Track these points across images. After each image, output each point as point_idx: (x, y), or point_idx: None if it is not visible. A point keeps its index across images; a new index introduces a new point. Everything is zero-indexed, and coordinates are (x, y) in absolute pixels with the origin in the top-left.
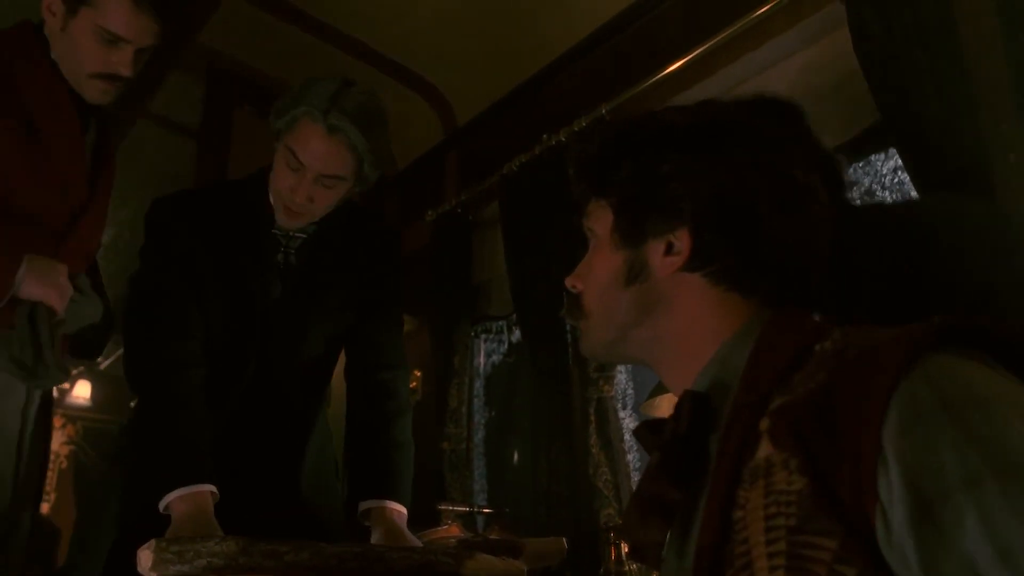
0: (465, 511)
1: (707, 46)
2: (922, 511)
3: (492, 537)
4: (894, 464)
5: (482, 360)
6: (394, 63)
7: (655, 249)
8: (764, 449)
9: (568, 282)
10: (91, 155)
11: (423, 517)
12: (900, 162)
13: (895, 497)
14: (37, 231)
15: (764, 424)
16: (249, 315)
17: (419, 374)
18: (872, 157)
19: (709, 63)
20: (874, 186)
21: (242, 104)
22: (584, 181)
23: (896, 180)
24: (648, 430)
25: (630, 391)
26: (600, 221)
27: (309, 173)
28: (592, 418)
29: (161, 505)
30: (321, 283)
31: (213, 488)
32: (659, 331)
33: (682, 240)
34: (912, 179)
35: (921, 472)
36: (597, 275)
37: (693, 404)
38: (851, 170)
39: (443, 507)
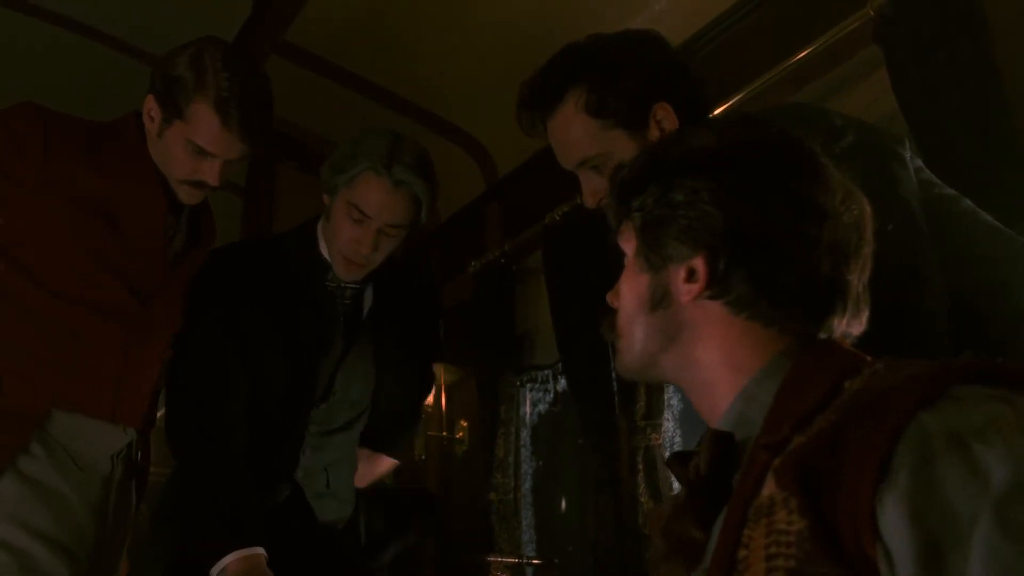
0: (514, 562)
1: (744, 93)
2: (930, 554)
3: None
4: (902, 504)
5: (528, 409)
6: (435, 117)
7: (676, 274)
8: (768, 487)
9: (608, 298)
10: (185, 236)
11: (472, 569)
12: None
13: (903, 538)
14: (107, 318)
15: (776, 463)
16: (309, 370)
17: (465, 424)
18: None
19: (748, 109)
20: None
21: (286, 161)
22: (615, 202)
23: None
24: (679, 462)
25: (677, 439)
26: (628, 243)
27: (374, 224)
28: (640, 467)
29: (215, 570)
30: (380, 336)
31: (263, 551)
32: (687, 358)
33: (700, 267)
34: None
35: (928, 513)
36: (625, 297)
37: (714, 444)
38: None
39: (492, 559)
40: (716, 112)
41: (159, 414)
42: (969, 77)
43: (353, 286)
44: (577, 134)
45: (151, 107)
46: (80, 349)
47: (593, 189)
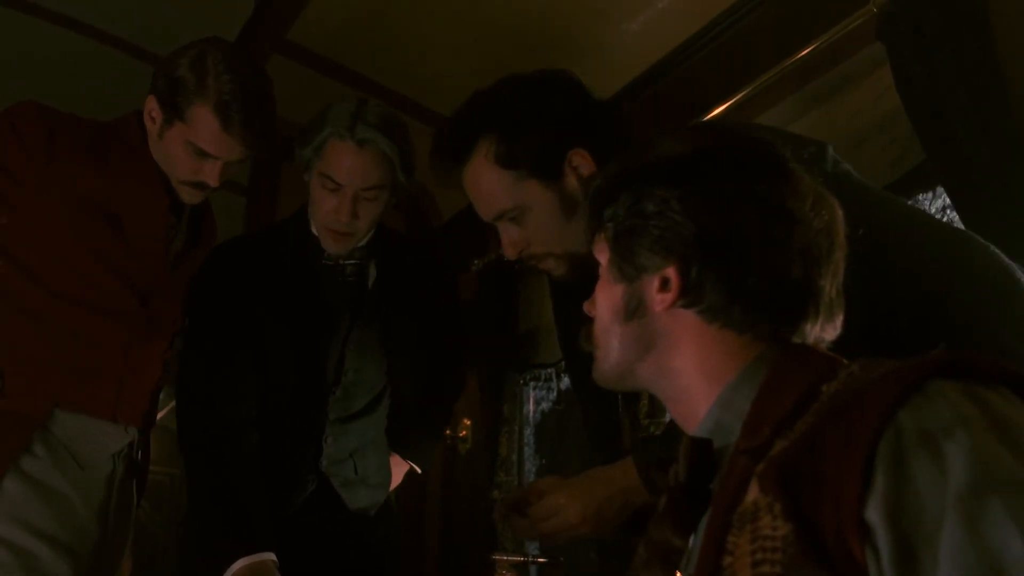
0: (519, 560)
1: (745, 92)
2: (904, 552)
3: None
4: (880, 504)
5: (531, 408)
6: (438, 115)
7: (650, 284)
8: (752, 493)
9: (585, 307)
10: (186, 235)
11: (476, 568)
12: (949, 201)
13: (882, 538)
14: (108, 318)
15: (759, 468)
16: (318, 351)
17: (469, 423)
18: (920, 197)
19: (747, 108)
20: None
21: (289, 160)
22: (588, 214)
23: (945, 219)
24: (659, 471)
25: None
26: (602, 253)
27: (348, 191)
28: None
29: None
30: (389, 312)
31: (272, 556)
32: (662, 367)
33: (672, 276)
34: (961, 219)
35: (901, 513)
36: (601, 307)
37: (692, 451)
38: None
39: (497, 557)
40: (718, 111)
41: (161, 414)
42: (972, 74)
43: (352, 262)
44: (490, 186)
45: (152, 108)
46: (81, 349)
47: (512, 240)
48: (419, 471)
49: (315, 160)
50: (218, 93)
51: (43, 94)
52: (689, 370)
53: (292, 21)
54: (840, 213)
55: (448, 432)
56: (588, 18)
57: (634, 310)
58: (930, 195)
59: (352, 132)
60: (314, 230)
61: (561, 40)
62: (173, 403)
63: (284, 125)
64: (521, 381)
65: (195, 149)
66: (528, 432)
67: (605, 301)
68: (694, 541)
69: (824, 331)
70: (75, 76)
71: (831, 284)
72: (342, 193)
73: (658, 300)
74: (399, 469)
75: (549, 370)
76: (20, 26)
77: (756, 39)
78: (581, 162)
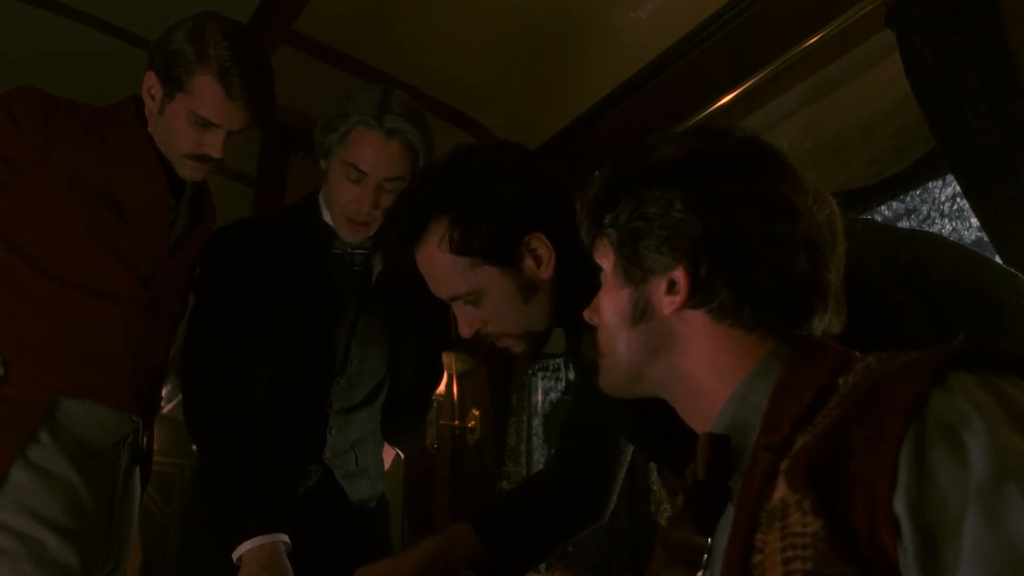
0: None
1: (754, 80)
2: (928, 545)
3: None
4: (903, 497)
5: (540, 398)
6: (444, 105)
7: (657, 287)
8: (780, 490)
9: (585, 315)
10: (187, 217)
11: None
12: (958, 188)
13: (907, 532)
14: (111, 304)
15: (784, 465)
16: (326, 340)
17: (477, 413)
18: (930, 184)
19: (757, 96)
20: (932, 213)
21: (297, 151)
22: (587, 220)
23: (955, 207)
24: (672, 471)
25: None
26: (605, 258)
27: (372, 180)
28: None
29: (235, 555)
30: (392, 303)
31: (285, 538)
32: (672, 369)
33: (681, 277)
34: (972, 206)
35: (924, 506)
36: (605, 313)
37: (711, 447)
38: (909, 198)
39: None
40: (727, 99)
41: (169, 407)
42: (983, 60)
43: (361, 252)
44: (444, 272)
45: (151, 84)
46: (85, 335)
47: (468, 320)
48: (403, 457)
49: (338, 148)
50: (219, 60)
51: (46, 83)
52: (700, 371)
53: (299, 11)
54: (837, 208)
55: (456, 422)
56: (596, 5)
57: (641, 314)
58: (940, 182)
59: (380, 122)
60: (326, 218)
61: (569, 28)
62: (181, 396)
63: (291, 115)
64: (529, 371)
65: (198, 120)
66: (536, 422)
67: (610, 306)
68: (714, 540)
69: (831, 324)
70: (76, 67)
71: (836, 277)
72: (365, 183)
73: (666, 303)
74: (387, 457)
75: (557, 360)
76: (24, 17)
77: (765, 27)
78: (539, 244)
